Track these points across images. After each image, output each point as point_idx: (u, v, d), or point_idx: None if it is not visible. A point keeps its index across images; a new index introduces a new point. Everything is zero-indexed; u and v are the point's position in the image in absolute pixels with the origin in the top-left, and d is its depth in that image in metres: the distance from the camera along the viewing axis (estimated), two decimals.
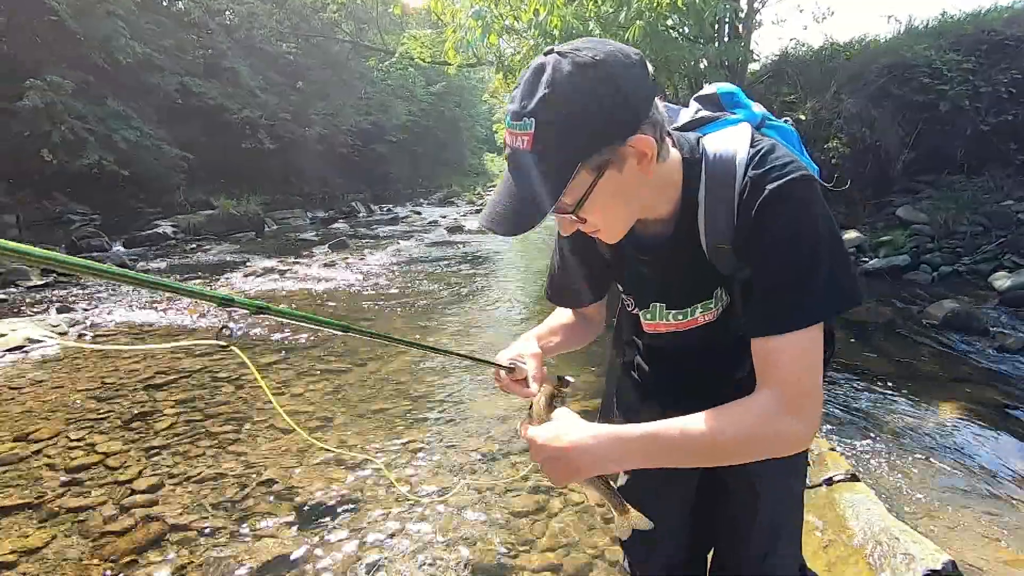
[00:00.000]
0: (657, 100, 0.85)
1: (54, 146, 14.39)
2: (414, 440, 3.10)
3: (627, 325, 1.25)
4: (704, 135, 0.96)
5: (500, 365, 1.13)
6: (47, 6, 15.09)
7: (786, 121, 1.12)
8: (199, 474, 2.78)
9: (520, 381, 1.11)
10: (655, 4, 4.91)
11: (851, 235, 8.12)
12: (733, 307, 1.04)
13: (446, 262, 9.43)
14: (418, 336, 5.04)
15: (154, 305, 6.41)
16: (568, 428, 0.90)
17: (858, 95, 8.65)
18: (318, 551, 2.21)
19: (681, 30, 6.60)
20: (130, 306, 6.38)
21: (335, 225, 15.65)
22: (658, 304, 1.09)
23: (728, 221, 0.90)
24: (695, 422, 0.85)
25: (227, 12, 21.17)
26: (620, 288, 1.19)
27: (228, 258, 10.18)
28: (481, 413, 3.43)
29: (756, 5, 8.85)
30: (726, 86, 1.06)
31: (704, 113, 1.04)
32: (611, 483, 1.00)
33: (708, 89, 1.07)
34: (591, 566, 2.11)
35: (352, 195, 23.67)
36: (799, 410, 0.81)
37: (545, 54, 0.82)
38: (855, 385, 3.92)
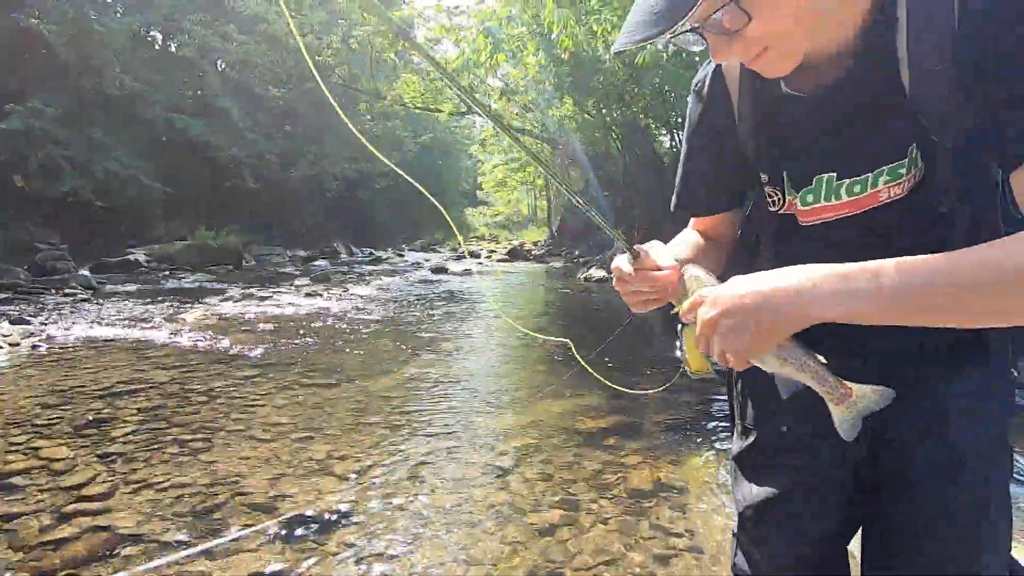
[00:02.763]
0: None
1: (30, 172, 13.97)
2: (413, 453, 2.72)
3: (766, 237, 0.96)
4: None
5: (627, 245, 0.86)
6: (36, 33, 15.05)
7: None
8: (161, 482, 2.35)
9: (646, 270, 0.85)
10: None
11: None
12: (931, 179, 0.79)
13: (432, 297, 9.12)
14: (406, 358, 4.68)
15: (118, 321, 5.94)
16: (751, 277, 0.69)
17: None
18: (307, 568, 1.81)
19: None
20: (92, 322, 5.89)
21: (316, 263, 15.31)
22: (826, 175, 0.84)
23: (946, 24, 0.68)
24: (955, 254, 0.61)
25: (219, 55, 21.44)
26: (764, 180, 0.93)
27: (203, 286, 9.71)
28: (487, 428, 3.08)
29: None
30: None
31: None
32: (819, 357, 0.73)
33: None
34: None
35: (334, 238, 23.44)
36: None
37: None
38: None
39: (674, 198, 1.07)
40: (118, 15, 18.81)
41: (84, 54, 16.04)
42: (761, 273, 0.70)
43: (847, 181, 0.83)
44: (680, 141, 11.04)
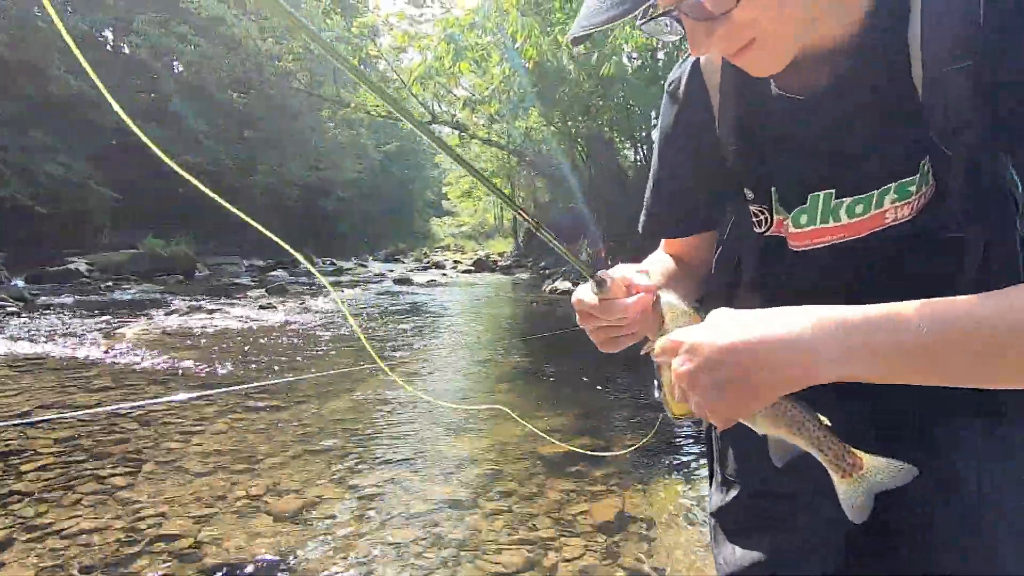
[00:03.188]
0: None
1: None
2: (362, 485, 2.51)
3: (748, 262, 0.82)
4: None
5: (588, 272, 0.71)
6: None
7: None
8: (71, 527, 2.08)
9: (614, 299, 0.69)
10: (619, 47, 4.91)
11: None
12: (944, 198, 0.67)
13: (395, 310, 8.86)
14: (363, 377, 4.44)
15: (47, 337, 5.50)
16: (737, 318, 0.56)
17: None
18: None
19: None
20: (17, 338, 5.44)
21: (274, 273, 14.78)
22: (823, 192, 0.71)
23: (970, 16, 0.57)
24: (972, 298, 0.51)
25: (174, 57, 20.71)
26: (749, 197, 0.80)
27: (149, 297, 9.19)
28: (443, 455, 2.88)
29: None
30: None
31: None
32: (821, 417, 0.59)
33: None
34: None
35: (295, 248, 22.79)
36: None
37: None
38: None
39: (643, 217, 0.92)
40: (66, 13, 17.97)
41: (27, 53, 15.22)
42: (750, 315, 0.56)
43: (848, 200, 0.70)
44: (645, 156, 11.11)
